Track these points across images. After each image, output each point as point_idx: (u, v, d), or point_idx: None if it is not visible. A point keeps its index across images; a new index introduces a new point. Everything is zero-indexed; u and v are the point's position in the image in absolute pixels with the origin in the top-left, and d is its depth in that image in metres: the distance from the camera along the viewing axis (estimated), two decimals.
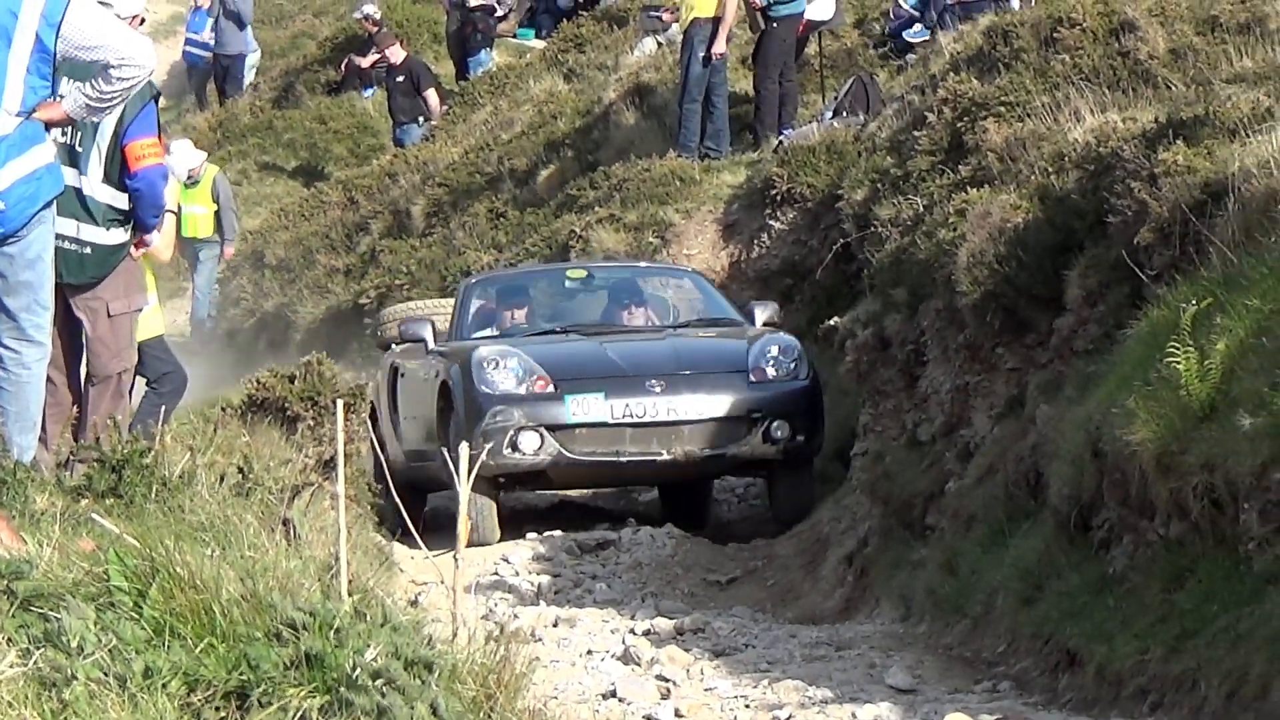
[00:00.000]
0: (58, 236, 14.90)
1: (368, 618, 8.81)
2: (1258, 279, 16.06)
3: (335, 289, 42.30)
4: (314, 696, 8.01)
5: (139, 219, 16.75)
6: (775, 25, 33.93)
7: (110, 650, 8.13)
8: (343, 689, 8.07)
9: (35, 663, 7.91)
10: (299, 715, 7.89)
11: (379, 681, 8.10)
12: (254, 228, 47.25)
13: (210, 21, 52.63)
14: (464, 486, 10.52)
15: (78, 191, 16.47)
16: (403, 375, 28.43)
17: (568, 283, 28.89)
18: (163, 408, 20.31)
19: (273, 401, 25.32)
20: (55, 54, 13.37)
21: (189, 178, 36.06)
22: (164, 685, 8.10)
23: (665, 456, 23.46)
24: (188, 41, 54.30)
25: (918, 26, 35.44)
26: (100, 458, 13.10)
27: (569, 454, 24.29)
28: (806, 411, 24.24)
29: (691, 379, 24.42)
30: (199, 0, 53.35)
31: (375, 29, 47.83)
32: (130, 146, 16.24)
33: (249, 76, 53.03)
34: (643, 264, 33.88)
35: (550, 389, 24.87)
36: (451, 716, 8.04)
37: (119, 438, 14.25)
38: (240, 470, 15.59)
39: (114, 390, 17.20)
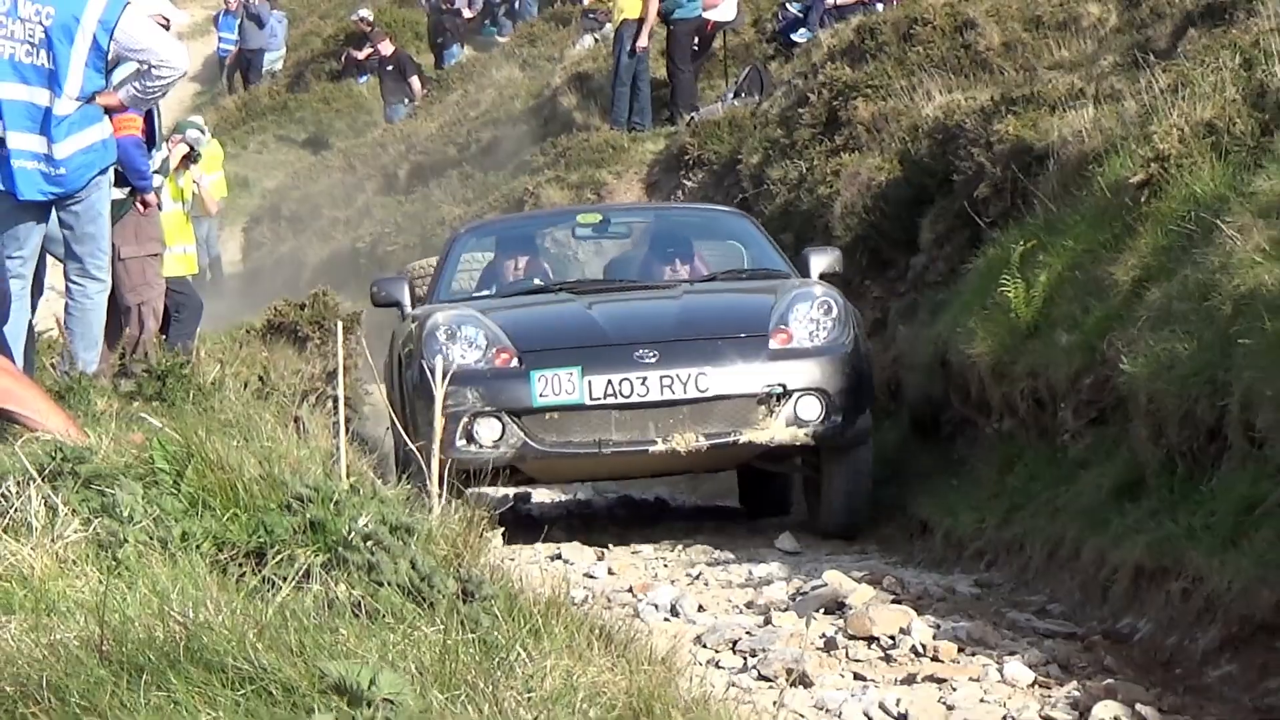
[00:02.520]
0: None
1: (360, 493, 8.95)
2: (1072, 225, 17.49)
3: (336, 235, 42.21)
4: (317, 555, 7.91)
5: (130, 182, 17.11)
6: (674, 26, 35.25)
7: (154, 519, 8.20)
8: (340, 549, 8.02)
9: (94, 529, 7.94)
10: (305, 570, 7.68)
11: (369, 543, 8.06)
12: (271, 188, 48.07)
13: (236, 23, 55.34)
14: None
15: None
16: (393, 343, 18.86)
17: (578, 230, 19.72)
18: (192, 329, 20.45)
19: (287, 325, 25.54)
20: (108, 52, 14.17)
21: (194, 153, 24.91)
22: (197, 547, 8.12)
23: (660, 446, 15.22)
24: (220, 40, 56.49)
25: (802, 29, 35.59)
26: (148, 369, 13.41)
27: (536, 444, 15.71)
28: (847, 385, 15.51)
29: (694, 346, 15.66)
30: (228, 5, 55.79)
31: (369, 28, 49.24)
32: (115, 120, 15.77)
33: (277, 66, 54.94)
34: (671, 205, 26.34)
35: (513, 363, 15.95)
36: (426, 570, 7.70)
37: (164, 354, 14.84)
38: (260, 379, 17.74)
39: (135, 318, 18.32)
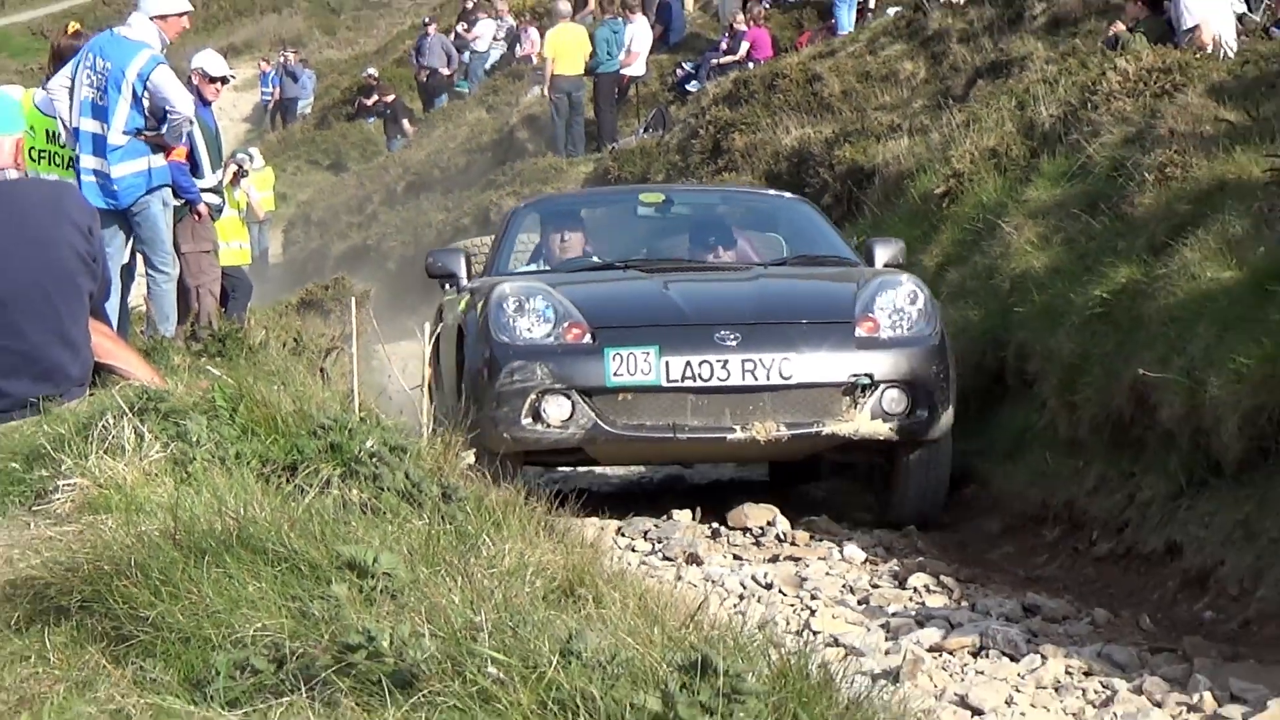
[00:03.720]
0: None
1: (368, 423, 8.85)
2: (892, 224, 18.06)
3: (351, 235, 42.73)
4: (336, 469, 7.71)
5: (183, 196, 17.03)
6: (599, 79, 35.89)
7: (215, 443, 8.16)
8: (352, 464, 8.10)
9: (170, 451, 7.89)
10: (326, 480, 7.65)
11: (374, 460, 8.17)
12: (304, 200, 48.69)
13: (274, 77, 57.35)
14: (427, 343, 10.11)
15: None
16: (442, 320, 15.13)
17: (640, 209, 15.78)
18: (244, 304, 21.46)
19: (315, 301, 27.91)
20: (143, 97, 15.15)
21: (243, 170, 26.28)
22: (247, 463, 7.97)
23: (739, 435, 11.98)
24: (261, 91, 58.61)
25: (694, 82, 36.59)
26: (211, 334, 13.42)
27: (608, 427, 12.29)
28: (933, 378, 12.57)
29: (778, 331, 12.31)
30: (266, 65, 59.22)
31: (375, 82, 50.29)
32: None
33: (307, 110, 55.07)
34: (734, 188, 20.88)
35: (586, 339, 12.44)
36: (416, 479, 7.81)
37: (223, 323, 15.20)
38: (295, 340, 16.99)
39: (195, 297, 18.16)
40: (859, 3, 36.00)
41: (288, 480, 7.43)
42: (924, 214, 18.41)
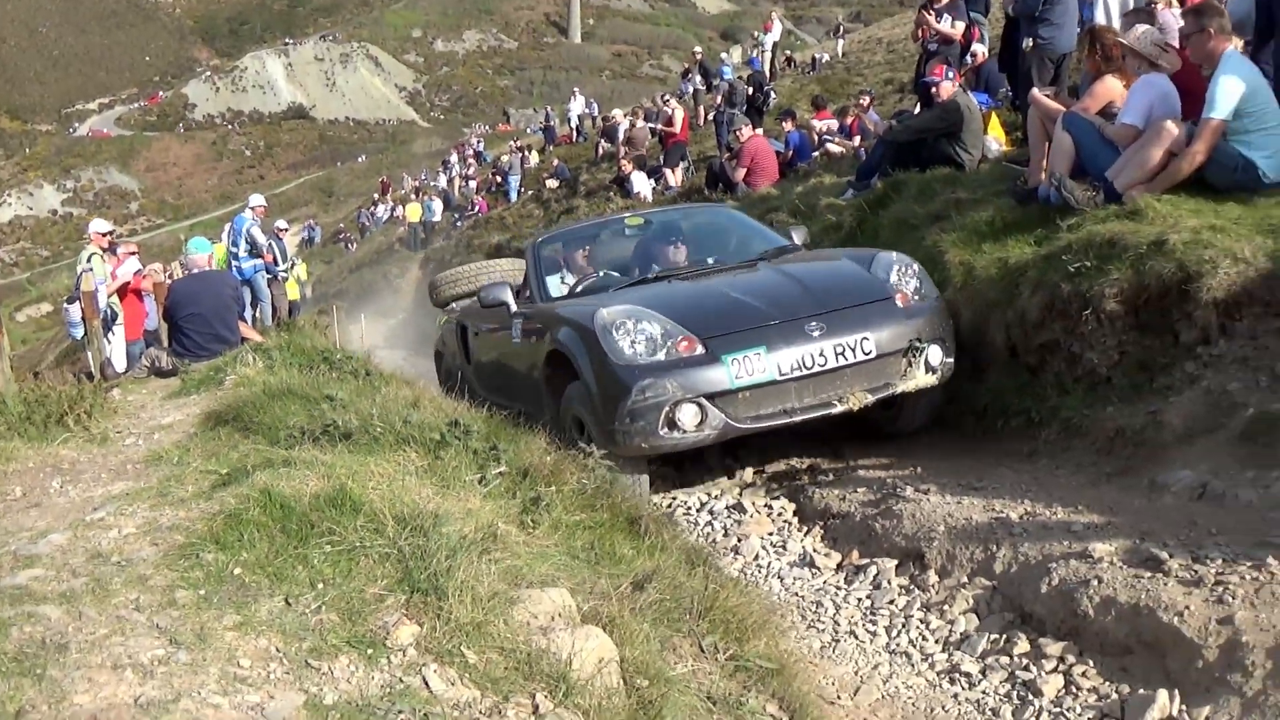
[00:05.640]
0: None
1: (354, 359, 10.99)
2: None
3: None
4: (326, 364, 10.54)
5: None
6: None
7: (283, 360, 10.97)
8: (334, 361, 10.69)
9: (264, 364, 10.91)
10: (322, 368, 10.31)
11: (340, 360, 10.72)
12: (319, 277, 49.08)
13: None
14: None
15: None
16: (476, 334, 13.75)
17: (628, 231, 14.24)
18: (297, 312, 24.82)
19: (326, 311, 28.92)
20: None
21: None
22: (294, 365, 10.65)
23: (839, 407, 10.43)
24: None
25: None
26: (285, 326, 16.75)
27: (737, 422, 10.33)
28: (950, 329, 11.31)
29: (847, 316, 10.75)
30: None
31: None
32: None
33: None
34: (682, 206, 18.75)
35: (699, 350, 10.42)
36: (355, 366, 10.50)
37: (289, 322, 18.63)
38: (314, 324, 19.09)
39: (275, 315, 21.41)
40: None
41: (310, 370, 10.18)
42: None
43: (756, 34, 48.43)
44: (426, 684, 4.14)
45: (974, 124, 15.42)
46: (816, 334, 9.60)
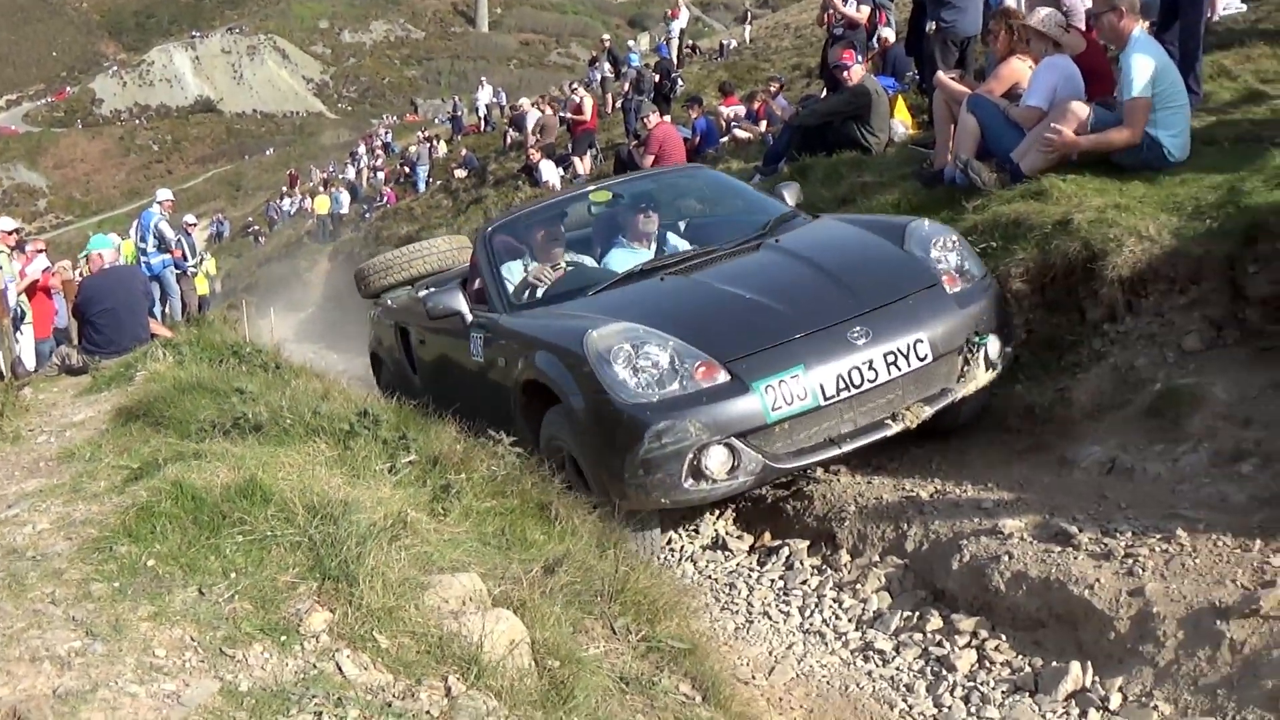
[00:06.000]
0: None
1: (263, 353, 11.01)
2: None
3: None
4: (235, 357, 10.55)
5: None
6: None
7: (193, 354, 10.91)
8: (242, 354, 10.61)
9: (174, 358, 10.82)
10: (231, 362, 10.28)
11: (249, 353, 10.66)
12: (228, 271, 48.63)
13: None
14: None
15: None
16: (421, 341, 11.26)
17: (594, 209, 11.42)
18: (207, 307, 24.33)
19: (236, 305, 28.80)
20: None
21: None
22: (203, 359, 10.62)
23: (894, 427, 7.96)
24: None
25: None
26: (195, 320, 16.69)
27: (776, 462, 7.71)
28: (1006, 313, 8.96)
29: (894, 313, 8.11)
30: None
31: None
32: None
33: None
34: (653, 171, 15.80)
35: (722, 377, 7.66)
36: (263, 360, 10.42)
37: (198, 316, 18.37)
38: (223, 319, 18.96)
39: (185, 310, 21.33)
40: None
41: (220, 365, 10.16)
42: None
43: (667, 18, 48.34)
44: (340, 669, 4.17)
45: (880, 107, 15.44)
46: (861, 341, 7.69)
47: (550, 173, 29.90)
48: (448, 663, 4.33)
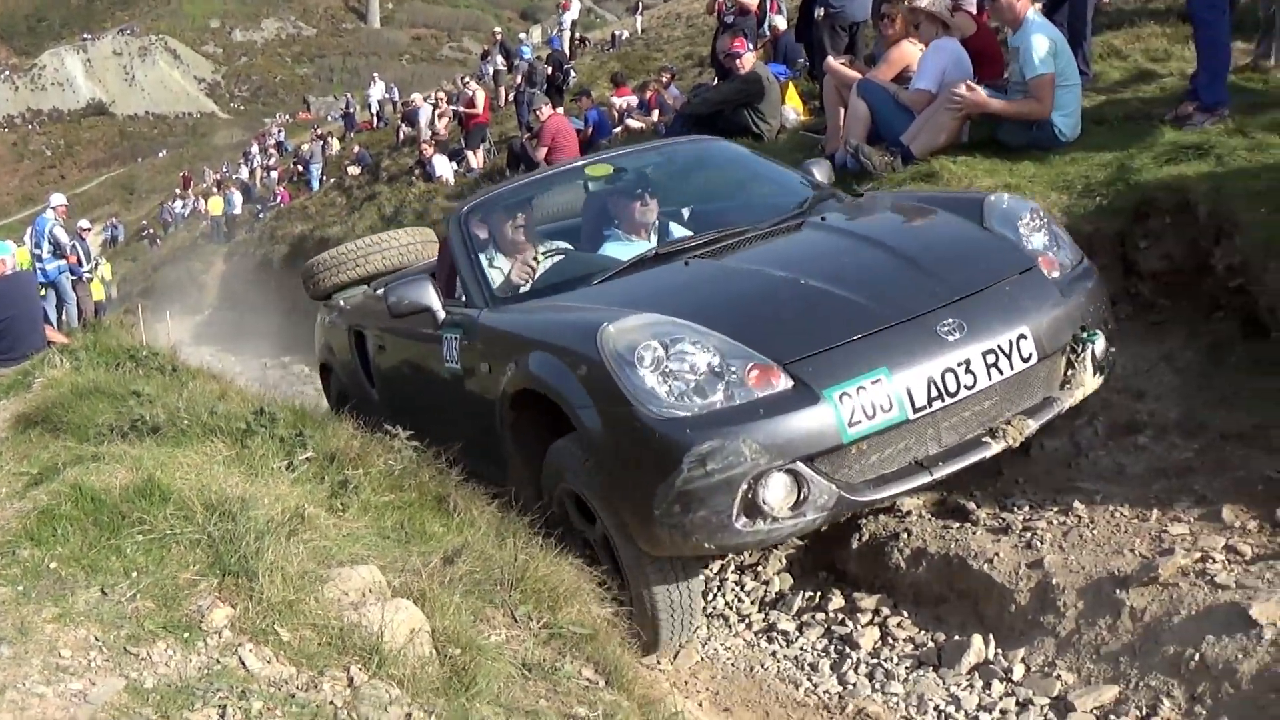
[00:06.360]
0: None
1: (159, 356, 10.98)
2: None
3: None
4: (133, 361, 10.52)
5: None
6: None
7: (90, 359, 10.93)
8: (138, 359, 10.52)
9: (72, 364, 10.81)
10: (128, 365, 10.34)
11: (146, 357, 10.56)
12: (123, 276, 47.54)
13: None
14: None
15: None
16: (381, 347, 9.43)
17: (591, 185, 9.01)
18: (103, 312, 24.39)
19: (131, 311, 28.20)
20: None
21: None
22: (100, 364, 10.69)
23: (995, 446, 6.01)
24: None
25: None
26: (91, 326, 16.49)
27: (854, 494, 5.74)
28: (1109, 303, 7.11)
29: (988, 302, 6.22)
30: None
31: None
32: None
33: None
34: (660, 143, 11.14)
35: (783, 383, 5.67)
36: (159, 362, 10.33)
37: (95, 322, 18.25)
38: (120, 324, 18.36)
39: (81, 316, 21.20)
40: None
41: (117, 369, 10.24)
42: None
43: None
44: (243, 663, 4.18)
45: (772, 95, 15.51)
46: (954, 337, 6.06)
47: (443, 167, 29.93)
48: (349, 653, 4.38)
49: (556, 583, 5.68)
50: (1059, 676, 5.83)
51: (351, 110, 61.59)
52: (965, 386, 5.95)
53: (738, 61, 15.86)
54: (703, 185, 9.39)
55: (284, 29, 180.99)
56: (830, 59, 13.51)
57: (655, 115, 23.00)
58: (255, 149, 69.05)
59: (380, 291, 9.60)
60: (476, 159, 29.78)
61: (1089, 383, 6.60)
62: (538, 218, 9.03)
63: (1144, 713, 5.46)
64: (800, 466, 5.63)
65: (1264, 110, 10.17)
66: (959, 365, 5.95)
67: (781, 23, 20.87)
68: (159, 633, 4.34)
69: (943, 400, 5.88)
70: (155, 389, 8.61)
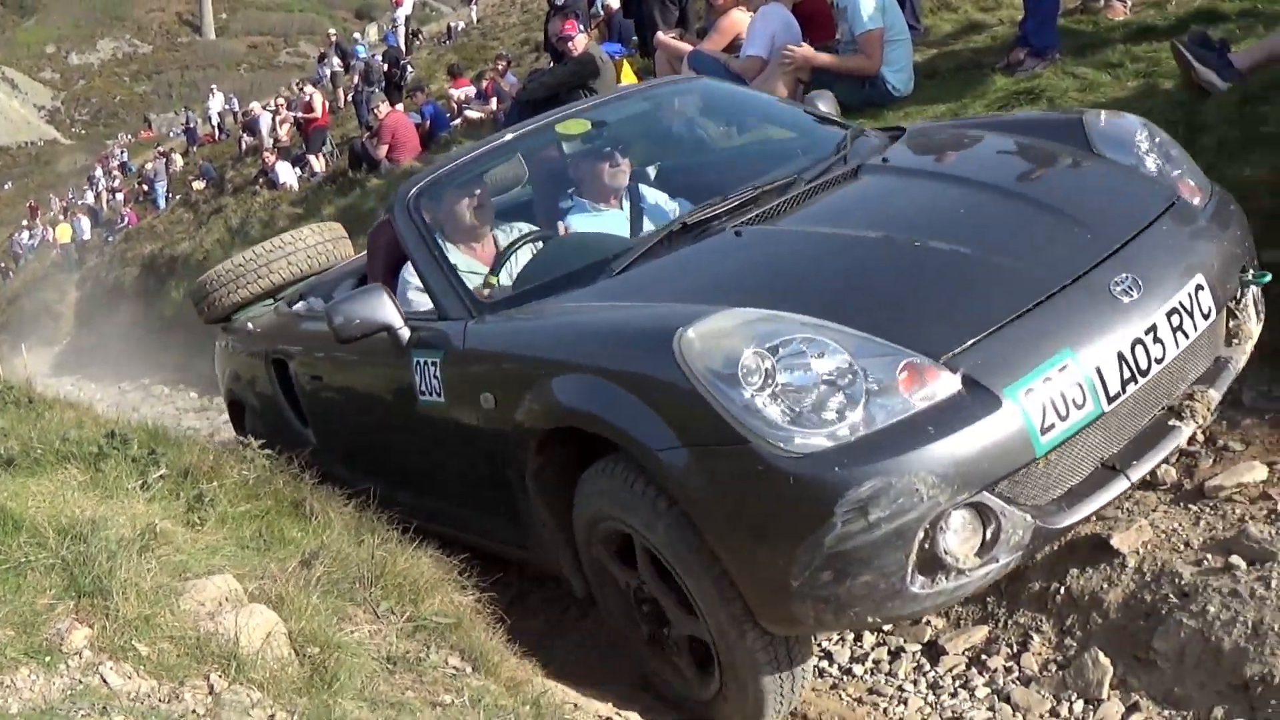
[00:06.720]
0: None
1: (15, 389, 9.99)
2: None
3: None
4: None
5: None
6: None
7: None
8: (11, 408, 9.95)
9: None
10: None
11: (20, 406, 9.67)
12: None
13: None
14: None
15: None
16: (314, 377, 7.40)
17: (567, 146, 6.87)
18: None
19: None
20: None
21: None
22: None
23: (1184, 429, 4.60)
24: None
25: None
26: None
27: (1049, 521, 4.24)
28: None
29: (1150, 248, 4.69)
30: None
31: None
32: None
33: None
34: (643, 86, 8.44)
35: (948, 384, 4.11)
36: (52, 419, 9.60)
37: None
38: None
39: None
40: None
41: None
42: None
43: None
44: (105, 681, 4.21)
45: (607, 74, 15.54)
46: (1130, 297, 4.69)
47: (287, 173, 29.95)
48: (208, 661, 4.42)
49: (417, 576, 5.66)
50: (928, 622, 5.85)
51: (193, 125, 61.23)
52: (1155, 360, 4.66)
53: (570, 44, 15.90)
54: (701, 136, 7.85)
55: (120, 48, 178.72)
56: (660, 34, 13.74)
57: (494, 104, 23.09)
58: (99, 172, 68.24)
59: (299, 307, 8.43)
60: (319, 163, 29.79)
61: (1254, 332, 5.47)
62: None
63: (1015, 650, 5.50)
64: (987, 497, 4.29)
65: (1094, 51, 10.35)
66: (1146, 333, 4.65)
67: (614, 1, 21.19)
68: (20, 659, 4.34)
69: (1135, 381, 4.57)
70: (9, 422, 8.29)
